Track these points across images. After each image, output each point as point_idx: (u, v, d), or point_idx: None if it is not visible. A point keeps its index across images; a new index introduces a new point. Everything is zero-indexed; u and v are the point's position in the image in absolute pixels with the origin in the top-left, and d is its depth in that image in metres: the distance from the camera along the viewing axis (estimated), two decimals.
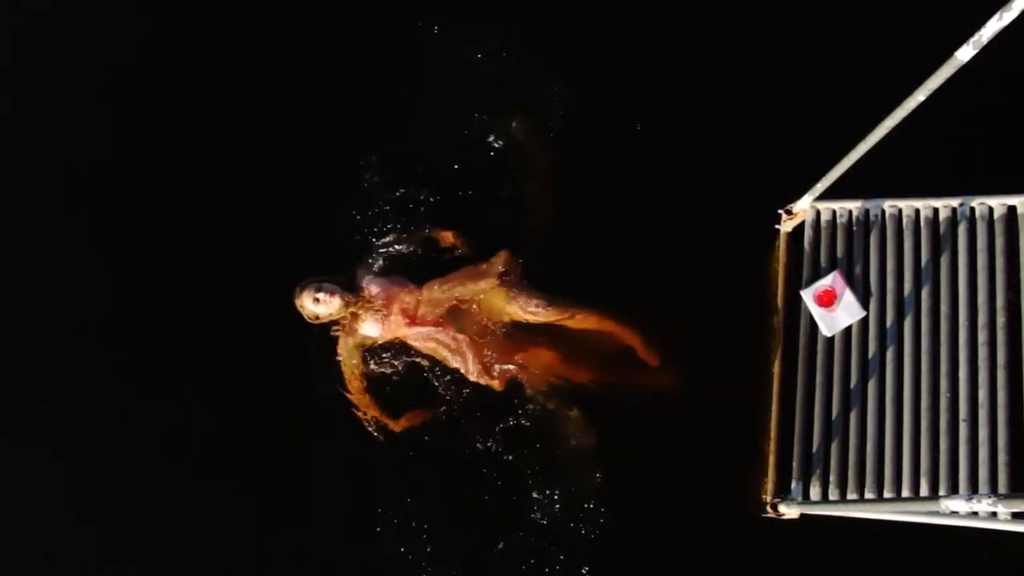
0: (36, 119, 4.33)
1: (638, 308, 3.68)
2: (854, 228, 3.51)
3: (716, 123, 3.86)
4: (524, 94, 3.99)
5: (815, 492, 3.26)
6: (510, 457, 3.61)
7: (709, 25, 4.00)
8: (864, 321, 3.39)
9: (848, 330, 3.39)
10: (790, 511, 3.28)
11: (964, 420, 3.19)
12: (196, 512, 3.78)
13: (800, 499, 3.27)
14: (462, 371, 3.54)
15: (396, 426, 3.58)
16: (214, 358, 3.91)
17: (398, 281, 3.57)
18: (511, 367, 3.53)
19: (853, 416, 3.30)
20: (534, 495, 3.58)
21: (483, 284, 3.54)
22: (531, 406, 3.60)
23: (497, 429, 3.62)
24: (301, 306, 3.54)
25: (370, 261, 3.69)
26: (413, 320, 3.50)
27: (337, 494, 3.69)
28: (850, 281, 3.43)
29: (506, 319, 3.57)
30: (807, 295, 3.43)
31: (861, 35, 3.87)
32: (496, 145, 3.90)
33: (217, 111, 4.21)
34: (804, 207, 3.51)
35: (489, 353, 3.52)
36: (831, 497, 3.24)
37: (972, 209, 3.41)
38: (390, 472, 3.66)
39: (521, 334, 3.59)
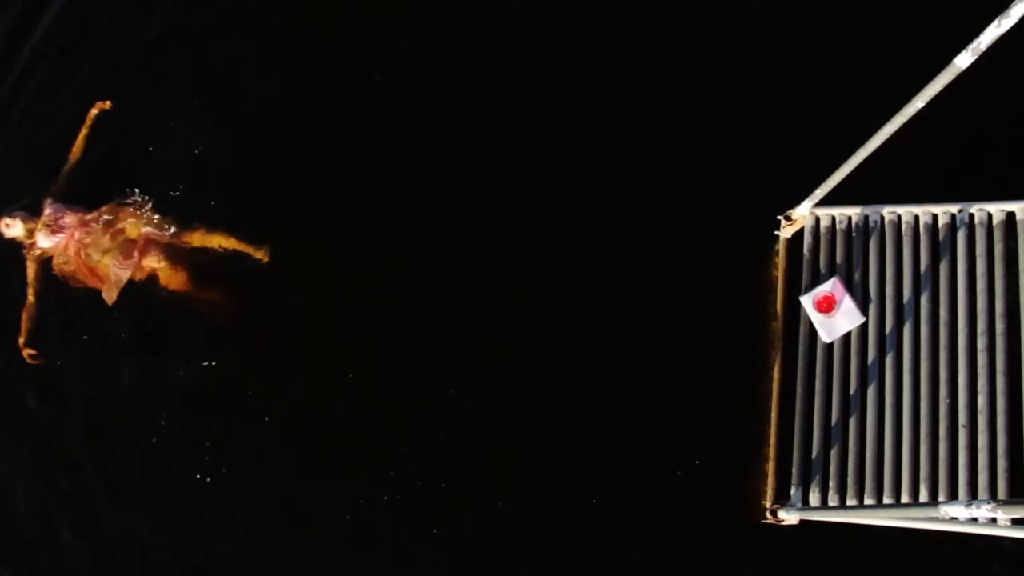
0: None
1: (638, 312, 3.70)
2: (853, 234, 3.51)
3: (716, 129, 3.87)
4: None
5: (815, 498, 3.26)
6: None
7: (709, 32, 4.02)
8: (863, 327, 3.39)
9: (847, 336, 3.39)
10: (790, 517, 3.28)
11: (963, 426, 3.19)
12: None
13: (800, 505, 3.27)
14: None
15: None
16: None
17: (71, 207, 4.19)
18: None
19: (852, 422, 3.30)
20: (536, 494, 3.59)
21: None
22: None
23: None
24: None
25: (57, 192, 4.28)
26: (75, 233, 4.12)
27: None
28: (849, 287, 3.43)
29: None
30: (806, 301, 3.44)
31: (861, 42, 3.88)
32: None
33: None
34: (804, 213, 3.51)
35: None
36: (830, 503, 3.23)
37: (971, 215, 3.41)
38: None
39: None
